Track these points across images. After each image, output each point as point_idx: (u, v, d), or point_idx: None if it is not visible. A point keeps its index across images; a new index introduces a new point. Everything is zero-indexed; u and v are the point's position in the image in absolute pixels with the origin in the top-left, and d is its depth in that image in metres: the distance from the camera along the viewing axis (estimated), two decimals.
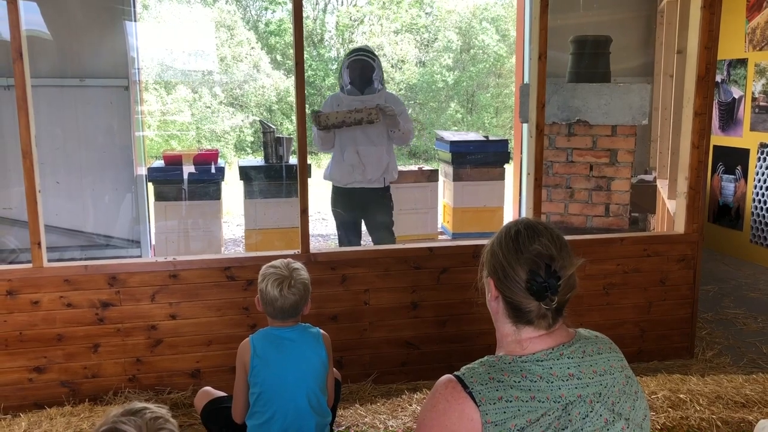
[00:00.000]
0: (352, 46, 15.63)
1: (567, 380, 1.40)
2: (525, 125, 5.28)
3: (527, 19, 5.98)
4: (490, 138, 6.30)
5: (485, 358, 1.46)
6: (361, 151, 4.42)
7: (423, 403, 1.55)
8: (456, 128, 14.45)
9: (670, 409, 2.85)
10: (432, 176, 6.16)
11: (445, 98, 15.31)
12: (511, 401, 1.36)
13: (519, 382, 1.38)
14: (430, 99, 15.26)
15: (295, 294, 2.28)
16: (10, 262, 5.40)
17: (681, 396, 2.95)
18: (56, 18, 5.24)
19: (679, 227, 3.65)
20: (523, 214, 4.58)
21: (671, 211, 4.45)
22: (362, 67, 4.44)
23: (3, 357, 3.00)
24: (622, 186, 4.34)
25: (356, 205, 4.56)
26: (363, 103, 4.36)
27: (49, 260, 3.06)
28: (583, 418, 1.38)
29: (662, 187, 5.42)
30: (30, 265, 3.00)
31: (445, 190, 6.48)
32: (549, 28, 3.30)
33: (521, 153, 6.22)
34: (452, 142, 6.10)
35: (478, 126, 14.92)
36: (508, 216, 6.81)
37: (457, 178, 6.08)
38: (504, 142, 6.31)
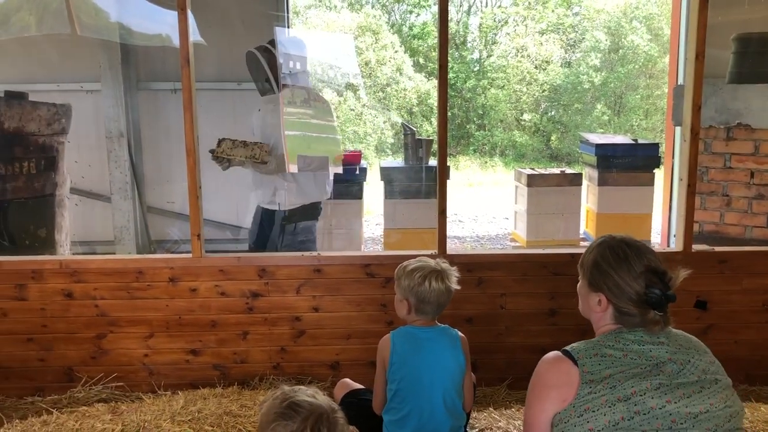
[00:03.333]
0: (494, 48, 15.51)
1: (658, 345, 1.60)
2: (678, 128, 5.00)
3: (683, 16, 5.65)
4: (639, 141, 6.02)
5: None
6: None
7: None
8: (602, 130, 13.91)
9: None
10: (575, 180, 5.98)
11: (591, 99, 14.78)
12: (605, 357, 1.58)
13: (613, 345, 1.61)
14: (575, 100, 14.79)
15: (446, 289, 2.31)
16: (173, 252, 5.89)
17: None
18: (217, 26, 5.65)
19: None
20: (674, 222, 4.34)
21: None
22: (256, 68, 3.92)
23: (164, 339, 3.28)
24: None
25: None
26: (271, 103, 3.95)
27: (207, 251, 3.31)
28: (677, 372, 1.55)
29: None
30: (190, 255, 3.26)
31: (588, 195, 6.27)
32: (708, 25, 3.10)
33: (673, 157, 5.88)
34: (598, 145, 5.89)
35: (626, 129, 14.28)
36: (657, 223, 6.47)
37: (602, 182, 5.87)
38: (654, 146, 6.01)
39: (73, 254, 4.73)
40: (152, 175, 6.22)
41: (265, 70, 3.88)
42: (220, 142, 3.78)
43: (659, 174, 6.20)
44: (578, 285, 1.80)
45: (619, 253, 1.66)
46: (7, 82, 5.59)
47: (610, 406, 1.51)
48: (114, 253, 5.75)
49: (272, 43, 3.92)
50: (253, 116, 4.13)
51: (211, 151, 3.80)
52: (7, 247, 3.81)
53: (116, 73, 5.79)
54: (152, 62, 6.06)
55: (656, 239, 6.56)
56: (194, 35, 4.14)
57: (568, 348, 1.64)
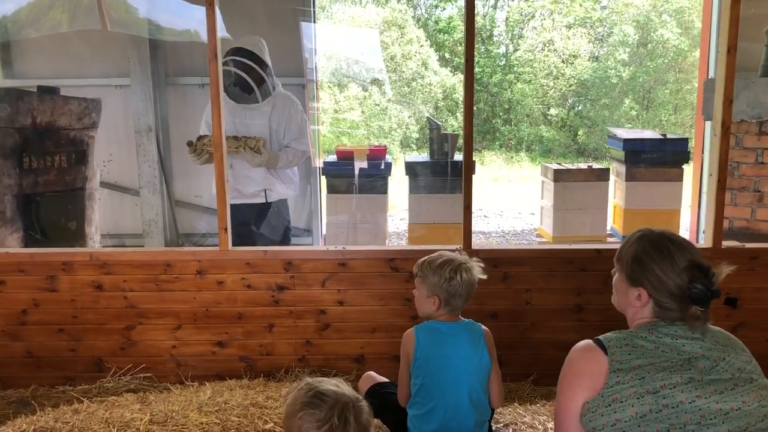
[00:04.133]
0: (520, 42, 15.39)
1: (692, 341, 1.57)
2: (708, 123, 4.92)
3: (715, 9, 5.55)
4: (668, 136, 5.94)
5: None
6: (235, 166, 4.06)
7: None
8: (630, 125, 13.75)
9: None
10: (602, 175, 5.92)
11: (619, 94, 14.61)
12: (636, 347, 1.57)
13: (646, 336, 1.59)
14: (602, 95, 14.63)
15: (474, 280, 2.30)
16: (200, 245, 5.95)
17: None
18: (243, 21, 5.68)
19: None
20: (703, 218, 4.28)
21: None
22: (240, 77, 3.99)
23: (192, 330, 3.33)
24: None
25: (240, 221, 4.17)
26: (248, 110, 4.07)
27: (233, 244, 3.34)
28: (710, 369, 1.53)
29: None
30: (217, 248, 3.30)
31: (616, 190, 6.20)
32: (740, 18, 3.05)
33: (703, 152, 5.80)
34: (626, 140, 5.82)
35: (655, 124, 14.09)
36: (686, 219, 6.39)
37: (629, 177, 5.80)
38: (683, 141, 5.92)
39: (103, 247, 4.81)
40: (180, 169, 6.28)
41: (246, 81, 3.98)
42: (200, 138, 3.87)
43: (688, 169, 6.12)
44: (614, 279, 1.78)
45: (661, 248, 1.65)
46: (39, 78, 5.71)
47: (638, 398, 1.49)
48: (143, 246, 5.84)
49: (238, 52, 3.99)
50: (207, 114, 4.07)
51: (189, 144, 3.95)
52: (39, 240, 3.88)
53: (145, 68, 5.86)
54: (180, 57, 6.12)
55: (685, 235, 6.47)
56: (221, 31, 4.19)
57: (600, 337, 1.63)
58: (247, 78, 3.97)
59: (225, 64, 3.92)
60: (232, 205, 4.03)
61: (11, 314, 3.30)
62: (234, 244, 3.29)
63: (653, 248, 1.65)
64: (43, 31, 5.32)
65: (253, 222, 4.22)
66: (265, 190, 4.16)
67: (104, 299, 3.29)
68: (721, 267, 1.61)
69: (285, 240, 4.37)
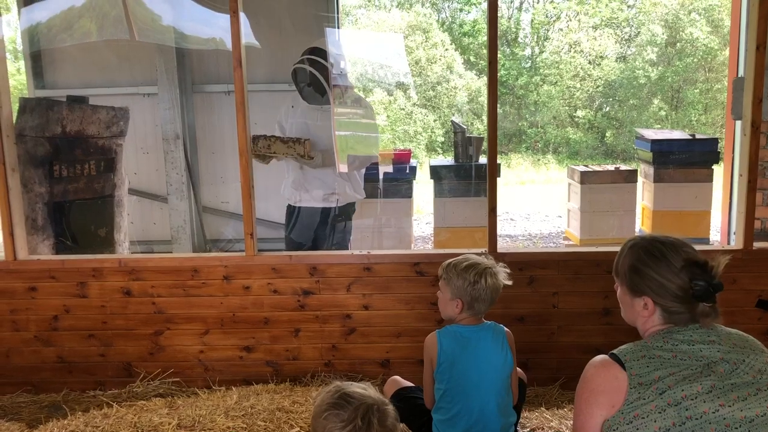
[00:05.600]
0: (546, 44, 15.30)
1: (708, 345, 1.53)
2: (738, 122, 4.83)
3: (744, 5, 5.45)
4: (697, 136, 5.84)
5: None
6: (305, 168, 3.98)
7: None
8: (659, 126, 13.57)
9: None
10: (630, 177, 5.86)
11: (647, 95, 14.42)
12: (653, 358, 1.53)
13: (661, 346, 1.55)
14: (630, 96, 14.46)
15: (499, 285, 2.28)
16: (227, 251, 6.01)
17: None
18: (268, 28, 5.73)
19: None
20: (734, 220, 4.20)
21: None
22: (311, 75, 3.90)
23: (219, 335, 3.36)
24: None
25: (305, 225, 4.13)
26: (321, 111, 4.00)
27: (259, 250, 3.36)
28: (730, 372, 1.49)
29: None
30: (243, 254, 3.32)
31: (644, 192, 6.12)
32: None
33: (733, 153, 5.69)
34: (654, 141, 5.75)
35: (684, 124, 13.88)
36: (716, 221, 6.28)
37: (658, 179, 5.73)
38: (712, 141, 5.83)
39: (132, 253, 4.88)
40: (207, 175, 6.36)
41: (320, 81, 3.91)
42: (255, 139, 3.84)
43: (719, 170, 6.02)
44: (618, 293, 1.74)
45: (655, 252, 1.62)
46: (69, 88, 5.82)
47: (660, 412, 1.46)
48: (171, 252, 5.90)
49: (314, 51, 3.94)
50: (282, 116, 4.11)
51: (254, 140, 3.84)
52: (70, 246, 3.95)
53: (172, 76, 5.94)
54: (206, 65, 6.19)
55: (716, 237, 6.36)
56: (248, 37, 4.23)
57: (615, 351, 1.59)
58: (320, 78, 3.89)
59: (301, 62, 3.90)
60: (302, 208, 4.05)
61: (43, 320, 3.36)
62: (301, 248, 3.25)
63: (647, 254, 1.63)
64: (74, 40, 5.42)
65: (322, 225, 4.10)
66: (336, 194, 4.05)
67: (133, 305, 3.34)
68: (717, 258, 1.58)
69: (345, 244, 4.23)
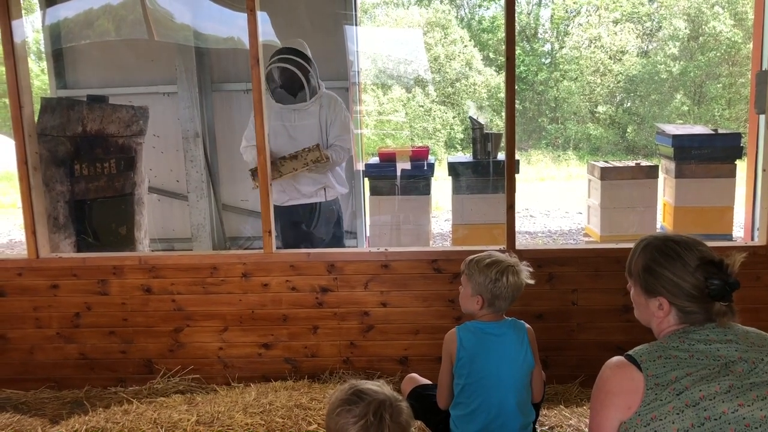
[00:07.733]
0: (566, 39, 15.17)
1: (726, 344, 1.50)
2: (761, 116, 4.75)
3: None
4: (720, 131, 5.76)
5: None
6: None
7: None
8: (681, 121, 13.41)
9: None
10: (651, 172, 5.78)
11: (669, 89, 14.25)
12: (670, 359, 1.50)
13: (677, 346, 1.52)
14: (651, 91, 14.30)
15: (521, 284, 2.27)
16: (246, 248, 6.04)
17: None
18: (286, 26, 5.74)
19: None
20: (758, 216, 4.13)
21: None
22: (289, 76, 4.03)
23: (238, 333, 3.38)
24: None
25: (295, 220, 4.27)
26: (296, 111, 4.10)
27: (278, 247, 3.37)
28: (749, 372, 1.46)
29: None
30: (261, 251, 3.34)
31: (665, 188, 6.05)
32: None
33: (756, 147, 5.61)
34: (675, 136, 5.68)
35: (707, 119, 13.71)
36: (739, 217, 6.19)
37: (679, 174, 5.65)
38: (735, 136, 5.74)
39: (152, 251, 4.92)
40: (227, 173, 6.39)
41: (294, 81, 4.02)
42: (280, 164, 3.90)
43: (742, 165, 5.93)
44: (631, 293, 1.72)
45: (669, 252, 1.59)
46: (89, 87, 5.88)
47: (678, 413, 1.43)
48: (191, 250, 5.95)
49: (289, 51, 4.04)
50: (251, 127, 3.97)
51: (253, 175, 3.97)
52: (91, 244, 3.99)
53: (191, 75, 5.98)
54: (224, 64, 6.22)
55: (739, 233, 6.27)
56: (268, 35, 4.24)
57: (630, 352, 1.56)
58: (299, 74, 4.00)
59: (272, 64, 3.99)
60: (288, 207, 4.16)
61: (65, 317, 3.40)
62: (288, 246, 3.28)
63: (661, 254, 1.59)
64: (93, 38, 5.48)
65: (309, 222, 4.25)
66: (325, 188, 4.20)
67: (153, 302, 3.37)
68: (733, 256, 1.54)
69: (340, 237, 4.41)
